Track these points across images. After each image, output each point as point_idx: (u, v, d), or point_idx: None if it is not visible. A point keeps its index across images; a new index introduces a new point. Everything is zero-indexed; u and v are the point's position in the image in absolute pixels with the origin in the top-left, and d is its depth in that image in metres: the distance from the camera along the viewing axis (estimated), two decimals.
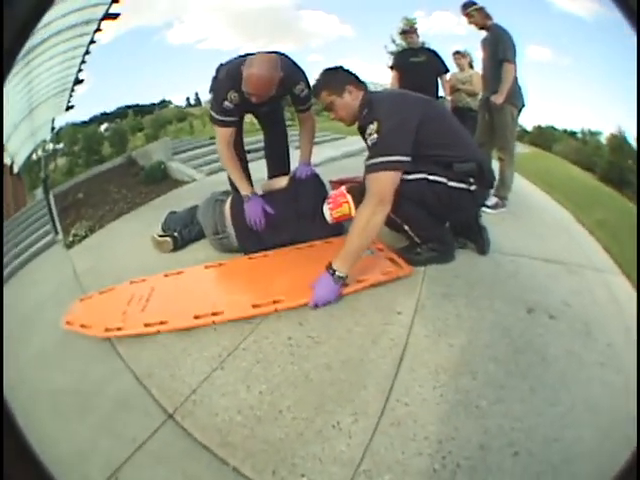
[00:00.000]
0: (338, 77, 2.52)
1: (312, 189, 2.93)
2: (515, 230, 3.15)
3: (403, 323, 2.08)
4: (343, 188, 2.65)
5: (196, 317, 2.22)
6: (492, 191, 3.32)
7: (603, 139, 5.95)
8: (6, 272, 3.96)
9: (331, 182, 3.50)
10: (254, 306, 2.24)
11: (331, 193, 2.72)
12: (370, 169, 2.21)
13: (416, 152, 2.23)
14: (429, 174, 2.33)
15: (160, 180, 5.80)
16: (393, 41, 8.22)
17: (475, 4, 3.68)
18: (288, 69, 2.75)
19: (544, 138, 6.58)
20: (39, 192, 6.10)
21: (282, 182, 3.06)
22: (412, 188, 2.30)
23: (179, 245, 3.24)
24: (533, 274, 2.49)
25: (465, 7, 3.73)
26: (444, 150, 2.36)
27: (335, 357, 1.92)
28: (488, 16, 3.69)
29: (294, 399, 1.73)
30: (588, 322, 2.07)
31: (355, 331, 2.06)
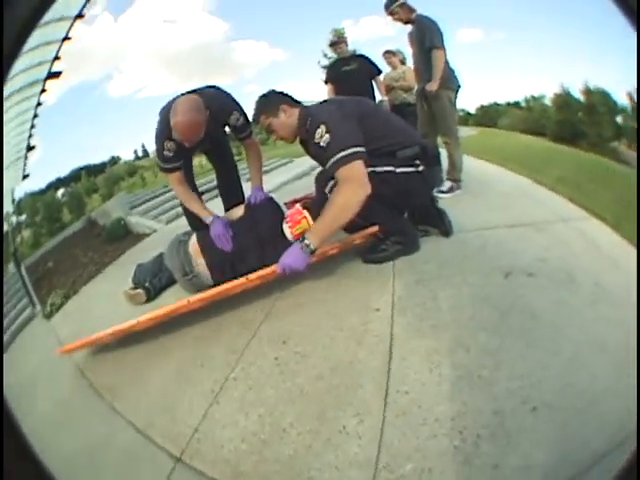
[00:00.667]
0: (271, 100, 2.63)
1: (269, 212, 2.88)
2: (474, 207, 3.19)
3: (383, 318, 2.08)
4: (298, 205, 2.68)
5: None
6: (444, 175, 3.45)
7: (548, 101, 6.02)
8: None
9: (286, 204, 3.46)
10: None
11: (288, 212, 2.72)
12: (335, 166, 2.24)
13: (369, 146, 2.29)
14: (375, 166, 2.33)
15: (122, 236, 5.72)
16: (325, 55, 8.32)
17: (396, 1, 3.72)
18: (215, 103, 2.75)
19: (489, 116, 6.65)
20: (10, 267, 5.97)
21: (239, 212, 3.03)
22: (385, 184, 2.35)
23: (152, 295, 3.17)
24: (501, 242, 2.52)
25: (387, 6, 3.78)
26: (384, 141, 2.42)
27: (324, 366, 1.90)
28: (411, 9, 3.74)
29: (294, 415, 1.71)
30: (569, 270, 2.11)
31: (338, 336, 2.05)
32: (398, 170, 2.41)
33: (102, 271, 4.78)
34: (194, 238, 2.86)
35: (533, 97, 6.29)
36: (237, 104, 2.95)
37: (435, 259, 2.46)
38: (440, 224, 2.69)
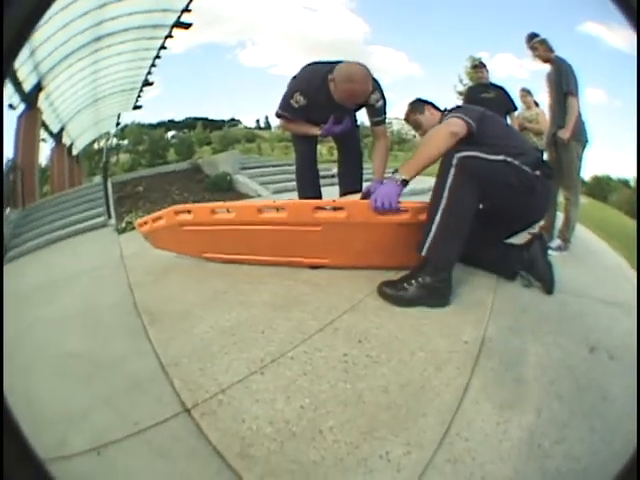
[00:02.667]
0: (420, 102, 2.74)
1: None
2: (577, 272, 2.83)
3: (469, 353, 1.73)
4: None
5: (259, 210, 2.30)
6: (556, 232, 3.32)
7: None
8: (46, 239, 4.25)
9: None
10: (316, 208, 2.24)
11: None
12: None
13: (487, 142, 2.13)
14: (507, 156, 2.09)
15: (225, 190, 5.65)
16: (460, 81, 8.05)
17: (538, 36, 3.48)
18: None
19: (600, 188, 6.16)
20: (97, 178, 6.06)
21: (354, 199, 2.74)
22: (496, 168, 2.06)
23: None
24: (596, 315, 2.20)
25: (530, 39, 3.52)
26: (505, 141, 2.22)
27: (394, 380, 1.57)
28: (551, 49, 3.47)
29: (340, 420, 1.38)
30: None
31: (418, 355, 1.71)
32: (523, 167, 2.11)
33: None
34: None
35: None
36: (379, 85, 2.71)
37: (534, 312, 2.11)
38: (545, 278, 2.32)
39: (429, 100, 2.75)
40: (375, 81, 2.64)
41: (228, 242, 2.52)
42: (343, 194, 3.09)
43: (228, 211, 2.38)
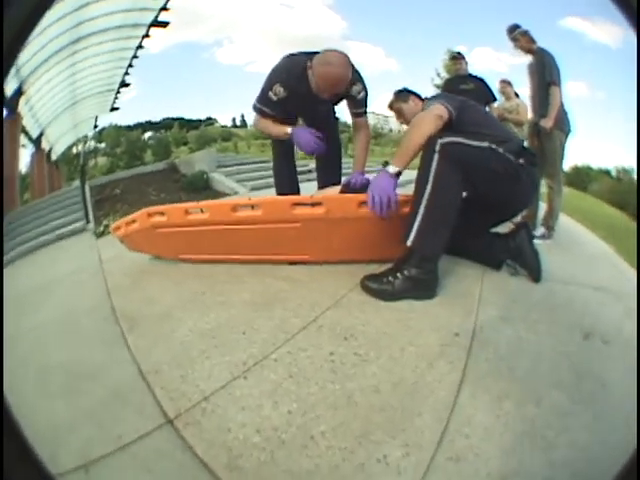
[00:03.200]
0: (404, 92, 2.70)
1: None
2: (563, 259, 2.79)
3: (462, 345, 1.65)
4: None
5: (233, 209, 2.19)
6: (539, 221, 3.39)
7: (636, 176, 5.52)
8: (27, 246, 4.05)
9: None
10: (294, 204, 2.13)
11: None
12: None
13: (469, 129, 2.06)
14: (492, 143, 2.02)
15: (201, 189, 5.53)
16: (438, 74, 8.01)
17: (520, 27, 3.47)
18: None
19: (580, 179, 6.17)
20: (76, 182, 5.92)
21: (333, 192, 2.64)
22: (480, 154, 2.01)
23: None
24: (585, 301, 2.16)
25: (511, 30, 3.51)
26: (486, 129, 2.14)
27: (385, 378, 1.47)
28: (532, 40, 3.47)
29: (332, 424, 1.29)
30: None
31: (409, 351, 1.62)
32: (507, 155, 2.05)
33: None
34: None
35: (624, 169, 5.75)
36: (361, 76, 2.63)
37: (523, 301, 2.05)
38: (532, 266, 2.29)
39: (415, 91, 2.72)
40: (357, 72, 2.57)
41: (204, 242, 2.42)
42: (322, 187, 2.98)
43: (202, 211, 2.28)
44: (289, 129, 2.54)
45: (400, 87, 2.75)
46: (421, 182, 1.95)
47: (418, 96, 2.69)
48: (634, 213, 5.09)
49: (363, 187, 2.52)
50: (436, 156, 1.92)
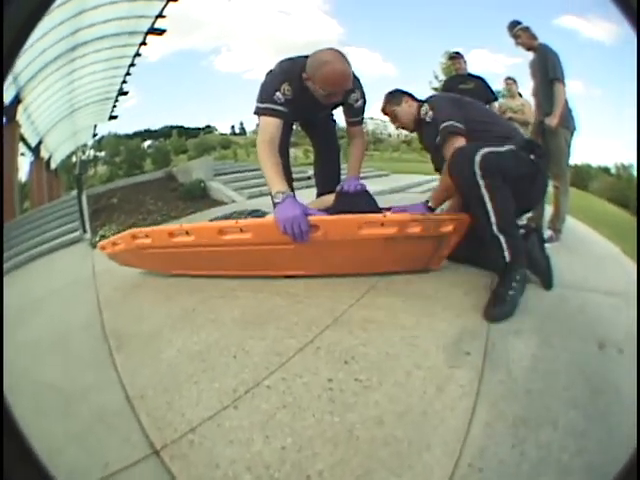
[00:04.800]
0: (397, 93, 2.64)
1: (363, 203, 2.38)
2: (572, 263, 2.64)
3: (473, 366, 1.48)
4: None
5: (220, 232, 2.04)
6: (546, 223, 3.30)
7: (635, 171, 5.41)
8: (24, 257, 4.00)
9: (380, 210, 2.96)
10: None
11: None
12: (442, 135, 2.23)
13: (477, 127, 2.20)
14: (496, 147, 2.01)
15: (198, 197, 5.47)
16: (436, 77, 7.94)
17: (520, 23, 3.38)
18: None
19: (580, 177, 6.04)
20: (75, 191, 5.84)
21: (329, 200, 2.52)
22: (510, 158, 2.02)
23: None
24: (598, 307, 2.01)
25: (512, 27, 3.42)
26: (492, 126, 2.26)
27: (390, 408, 1.30)
28: (534, 36, 3.37)
29: (330, 462, 1.12)
30: None
31: (415, 375, 1.45)
32: (523, 153, 2.09)
33: (164, 223, 4.50)
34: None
35: (623, 165, 5.63)
36: (360, 84, 2.48)
37: (536, 311, 1.88)
38: (544, 272, 2.14)
39: (407, 91, 2.63)
40: (357, 80, 2.42)
41: (192, 261, 2.29)
42: (320, 194, 2.84)
43: (187, 233, 2.13)
44: (281, 194, 1.94)
45: (391, 89, 2.68)
46: (477, 204, 1.92)
47: (412, 97, 2.61)
48: (635, 209, 4.98)
49: (357, 193, 2.45)
50: (479, 173, 1.88)
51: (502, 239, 1.91)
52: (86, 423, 1.40)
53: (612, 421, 1.28)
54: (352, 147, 2.67)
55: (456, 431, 1.21)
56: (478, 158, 1.89)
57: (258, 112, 2.27)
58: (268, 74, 2.38)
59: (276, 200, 1.94)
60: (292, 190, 2.45)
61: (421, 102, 2.52)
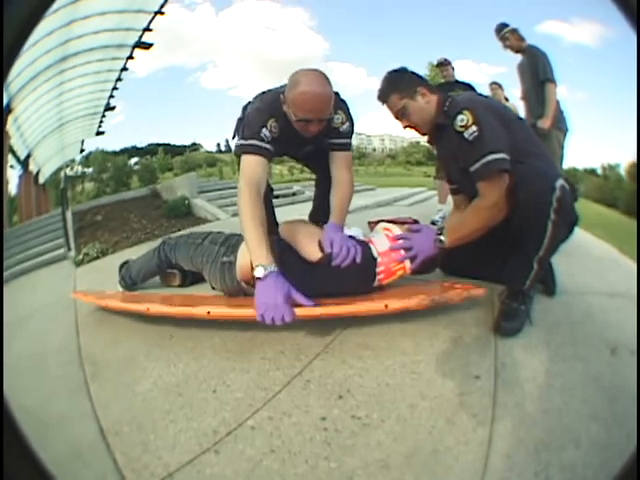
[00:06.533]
0: (407, 78, 1.93)
1: (355, 273, 1.85)
2: (571, 267, 2.47)
3: (485, 391, 1.30)
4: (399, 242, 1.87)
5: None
6: None
7: (623, 171, 5.39)
8: (8, 273, 3.85)
9: (369, 223, 2.55)
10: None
11: (382, 260, 1.86)
12: (486, 171, 1.65)
13: (522, 152, 1.70)
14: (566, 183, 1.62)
15: (182, 215, 5.37)
16: None
17: (508, 26, 3.34)
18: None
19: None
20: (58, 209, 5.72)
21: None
22: (570, 198, 1.64)
23: (187, 282, 2.50)
24: (604, 311, 1.89)
25: (499, 30, 3.40)
26: (535, 145, 1.84)
27: (395, 448, 1.10)
28: (522, 38, 3.35)
29: None
30: None
31: (421, 407, 1.25)
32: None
33: (148, 241, 4.38)
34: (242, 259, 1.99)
35: (610, 165, 5.62)
36: (346, 104, 2.13)
37: (542, 322, 1.73)
38: (547, 279, 1.98)
39: (419, 74, 1.96)
40: (343, 102, 2.10)
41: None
42: (314, 221, 2.40)
43: (148, 309, 1.88)
44: (268, 263, 1.61)
45: (395, 68, 1.98)
46: (533, 232, 1.64)
47: (427, 85, 1.92)
48: (625, 208, 4.97)
49: (345, 257, 1.83)
50: (555, 205, 1.56)
51: (535, 270, 1.69)
52: (61, 456, 1.23)
53: (629, 427, 1.14)
54: (338, 183, 2.17)
55: (473, 468, 1.04)
56: (558, 191, 1.55)
57: (242, 151, 1.96)
58: (249, 108, 2.07)
59: (256, 274, 1.61)
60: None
61: (444, 97, 1.88)
